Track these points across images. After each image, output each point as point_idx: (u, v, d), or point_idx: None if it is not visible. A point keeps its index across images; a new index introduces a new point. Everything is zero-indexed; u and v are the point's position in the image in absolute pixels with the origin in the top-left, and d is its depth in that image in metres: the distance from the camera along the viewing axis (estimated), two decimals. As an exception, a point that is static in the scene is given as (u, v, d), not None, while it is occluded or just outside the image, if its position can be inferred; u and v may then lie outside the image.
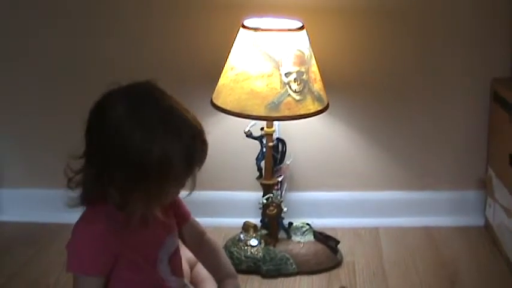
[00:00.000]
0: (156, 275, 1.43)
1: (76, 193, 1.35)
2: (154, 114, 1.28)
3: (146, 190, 1.29)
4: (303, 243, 2.03)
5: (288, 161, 2.08)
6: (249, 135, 2.01)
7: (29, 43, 2.22)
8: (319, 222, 2.16)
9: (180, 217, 1.53)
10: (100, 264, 1.34)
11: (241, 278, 1.95)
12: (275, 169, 2.05)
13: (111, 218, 1.33)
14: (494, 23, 2.15)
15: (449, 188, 2.28)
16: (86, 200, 1.35)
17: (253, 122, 1.99)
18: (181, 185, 1.36)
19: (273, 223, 2.04)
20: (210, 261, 1.59)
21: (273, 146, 2.02)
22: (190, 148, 1.29)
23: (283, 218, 2.06)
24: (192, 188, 1.36)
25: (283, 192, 2.09)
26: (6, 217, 2.32)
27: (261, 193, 2.05)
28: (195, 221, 1.59)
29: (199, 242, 1.58)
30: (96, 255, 1.33)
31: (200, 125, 1.33)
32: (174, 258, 1.50)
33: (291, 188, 2.22)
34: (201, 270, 1.65)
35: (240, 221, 2.09)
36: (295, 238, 2.05)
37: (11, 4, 2.19)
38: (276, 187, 2.05)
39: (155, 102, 1.30)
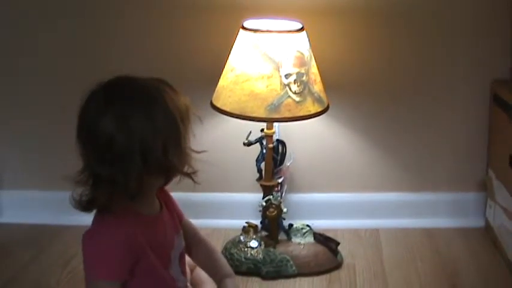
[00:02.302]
0: (168, 276, 1.44)
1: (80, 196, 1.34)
2: (138, 96, 1.31)
3: (179, 146, 1.34)
4: (303, 244, 2.03)
5: (288, 162, 2.08)
6: (249, 144, 2.01)
7: (29, 44, 2.22)
8: (320, 224, 2.16)
9: (177, 216, 1.54)
10: (123, 268, 1.33)
11: (241, 279, 1.95)
12: (275, 171, 2.05)
13: (129, 219, 1.33)
14: (494, 25, 2.15)
15: (449, 190, 2.28)
16: (99, 204, 1.35)
17: (249, 131, 2.00)
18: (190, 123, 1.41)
19: (273, 225, 2.04)
20: (207, 261, 1.59)
21: (273, 148, 2.02)
22: (178, 98, 1.36)
23: (283, 220, 2.06)
24: (200, 120, 1.45)
25: (283, 193, 2.09)
26: (6, 219, 2.32)
27: (261, 195, 2.05)
28: (188, 220, 1.60)
29: (195, 242, 1.59)
30: (119, 260, 1.32)
31: (162, 80, 1.38)
32: (183, 258, 1.52)
33: (291, 190, 2.22)
34: (201, 272, 1.65)
35: (240, 223, 2.08)
36: (296, 240, 2.05)
37: (11, 4, 2.20)
38: (276, 189, 2.05)
39: (133, 83, 1.34)
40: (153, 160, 1.30)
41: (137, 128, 1.28)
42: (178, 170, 1.37)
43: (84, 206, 1.34)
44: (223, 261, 1.61)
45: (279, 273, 1.98)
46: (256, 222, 2.08)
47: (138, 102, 1.30)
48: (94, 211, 1.37)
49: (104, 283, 1.32)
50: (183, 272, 1.51)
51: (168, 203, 1.51)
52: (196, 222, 1.64)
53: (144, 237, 1.35)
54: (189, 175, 1.40)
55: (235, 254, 2.00)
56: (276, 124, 2.02)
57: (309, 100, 1.90)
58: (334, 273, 2.00)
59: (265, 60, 1.87)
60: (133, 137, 1.27)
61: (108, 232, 1.32)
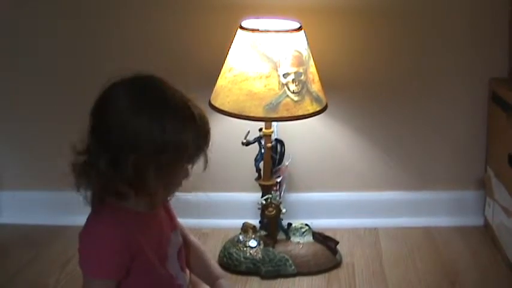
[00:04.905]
0: (166, 273, 1.43)
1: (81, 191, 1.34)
2: (162, 103, 1.29)
3: (162, 170, 1.29)
4: (302, 244, 2.03)
5: (286, 162, 2.08)
6: (247, 144, 2.01)
7: (29, 44, 2.22)
8: (318, 223, 2.16)
9: None
10: (119, 266, 1.33)
11: (240, 279, 1.95)
12: (274, 170, 2.05)
13: (124, 217, 1.33)
14: (492, 23, 2.15)
15: (448, 188, 2.28)
16: (97, 197, 1.34)
17: (247, 131, 2.00)
18: (193, 164, 1.37)
19: (272, 224, 2.04)
20: (197, 264, 1.57)
21: (272, 147, 2.02)
22: (199, 132, 1.32)
23: (282, 219, 2.06)
24: (206, 165, 1.38)
25: (282, 193, 2.09)
26: (5, 219, 2.32)
27: (260, 194, 2.05)
28: (179, 222, 1.59)
29: (185, 245, 1.57)
30: (115, 258, 1.32)
31: (200, 108, 1.35)
32: (181, 254, 1.51)
33: (290, 189, 2.22)
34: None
35: (239, 222, 2.09)
36: (294, 239, 2.05)
37: (11, 4, 2.19)
38: (274, 188, 2.05)
39: (162, 91, 1.32)
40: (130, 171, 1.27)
41: (143, 134, 1.26)
42: (149, 191, 1.32)
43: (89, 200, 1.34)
44: (214, 263, 1.60)
45: (278, 273, 1.98)
46: (255, 221, 2.08)
47: (171, 115, 1.28)
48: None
49: (99, 282, 1.32)
50: (183, 268, 1.51)
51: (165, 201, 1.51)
52: (194, 221, 1.65)
53: (140, 235, 1.35)
54: (154, 200, 1.36)
55: (234, 254, 2.00)
56: (274, 123, 2.02)
57: (307, 99, 1.90)
58: (333, 273, 2.00)
59: (264, 60, 1.86)
60: (129, 137, 1.26)
61: (104, 231, 1.32)
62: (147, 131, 1.27)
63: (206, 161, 1.38)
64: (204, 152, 1.36)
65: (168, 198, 1.40)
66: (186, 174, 1.38)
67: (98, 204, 1.35)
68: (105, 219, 1.34)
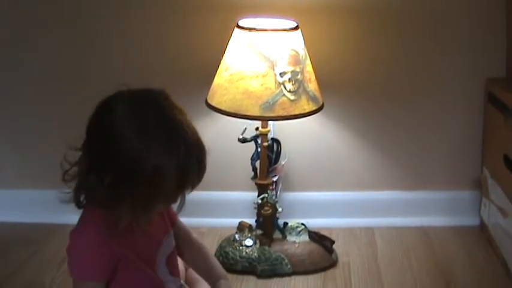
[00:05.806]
0: (155, 277, 1.43)
1: (70, 188, 1.34)
2: (156, 122, 1.26)
3: (133, 197, 1.26)
4: (298, 243, 2.04)
5: (282, 161, 2.08)
6: (243, 141, 2.01)
7: (29, 44, 2.22)
8: (314, 222, 2.16)
9: (168, 217, 1.53)
10: (102, 269, 1.34)
11: (236, 278, 1.95)
12: (270, 169, 2.05)
13: (110, 221, 1.32)
14: (488, 23, 2.15)
15: (444, 188, 2.29)
16: (81, 197, 1.34)
17: (244, 127, 2.00)
18: (171, 201, 1.34)
19: (268, 223, 2.04)
20: (200, 264, 1.58)
21: (268, 146, 2.02)
22: (186, 166, 1.27)
23: (278, 218, 2.06)
24: (180, 208, 1.34)
25: (278, 192, 2.09)
26: (2, 218, 2.32)
27: (256, 193, 2.05)
28: (181, 222, 1.58)
29: (188, 245, 1.58)
30: (98, 262, 1.33)
31: (203, 146, 1.32)
32: (172, 259, 1.51)
33: (286, 188, 2.22)
34: (196, 271, 1.65)
35: (235, 221, 2.09)
36: (290, 238, 2.05)
37: (11, 4, 2.19)
38: (271, 187, 2.06)
39: (161, 111, 1.28)
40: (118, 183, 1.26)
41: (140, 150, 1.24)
42: (121, 209, 1.30)
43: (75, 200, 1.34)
44: (217, 263, 1.60)
45: (274, 272, 1.98)
46: (251, 220, 2.08)
47: (164, 141, 1.25)
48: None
49: (89, 284, 1.33)
50: (172, 272, 1.50)
51: None
52: (191, 220, 1.64)
53: (126, 238, 1.34)
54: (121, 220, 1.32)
55: (230, 253, 2.00)
56: (270, 123, 2.03)
57: (303, 99, 1.90)
58: (329, 272, 2.01)
59: (260, 59, 1.87)
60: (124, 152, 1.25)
61: (89, 232, 1.32)
62: (128, 154, 1.24)
63: (182, 203, 1.33)
64: (182, 193, 1.31)
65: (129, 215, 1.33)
66: (158, 209, 1.36)
67: (86, 206, 1.35)
68: (87, 222, 1.34)
